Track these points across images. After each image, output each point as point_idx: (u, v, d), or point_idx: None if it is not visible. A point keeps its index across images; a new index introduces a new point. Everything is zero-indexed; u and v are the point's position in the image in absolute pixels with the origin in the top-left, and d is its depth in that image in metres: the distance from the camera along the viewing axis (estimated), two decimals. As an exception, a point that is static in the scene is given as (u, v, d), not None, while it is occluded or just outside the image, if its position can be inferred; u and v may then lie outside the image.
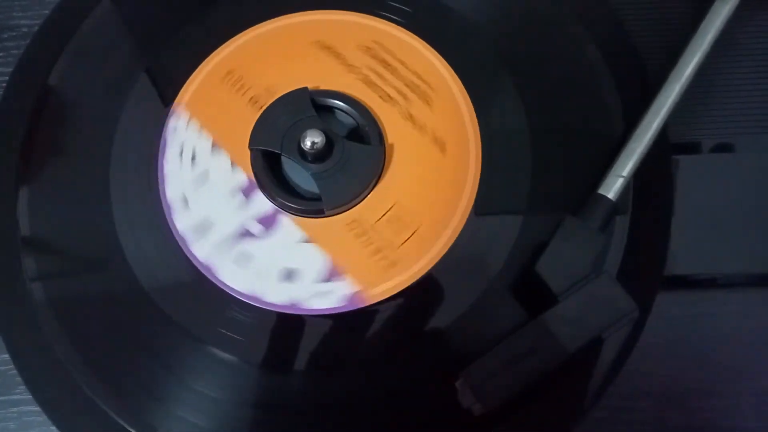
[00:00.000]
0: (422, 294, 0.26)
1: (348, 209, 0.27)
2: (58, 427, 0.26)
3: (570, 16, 0.29)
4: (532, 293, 0.25)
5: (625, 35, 0.29)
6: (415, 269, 0.26)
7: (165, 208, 0.27)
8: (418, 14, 0.29)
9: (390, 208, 0.26)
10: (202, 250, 0.27)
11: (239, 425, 0.25)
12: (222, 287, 0.26)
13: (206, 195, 0.27)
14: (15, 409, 0.28)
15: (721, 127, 0.30)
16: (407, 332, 0.26)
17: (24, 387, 0.26)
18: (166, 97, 0.28)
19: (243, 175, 0.27)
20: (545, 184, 0.27)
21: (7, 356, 0.27)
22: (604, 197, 0.26)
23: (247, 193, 0.27)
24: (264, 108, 0.28)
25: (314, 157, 0.26)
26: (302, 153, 0.27)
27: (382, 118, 0.28)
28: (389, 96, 0.28)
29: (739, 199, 0.29)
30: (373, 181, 0.27)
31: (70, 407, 0.26)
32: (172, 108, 0.28)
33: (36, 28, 0.30)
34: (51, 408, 0.26)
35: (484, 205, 0.27)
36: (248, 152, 0.27)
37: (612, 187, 0.26)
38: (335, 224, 0.27)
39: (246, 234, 0.27)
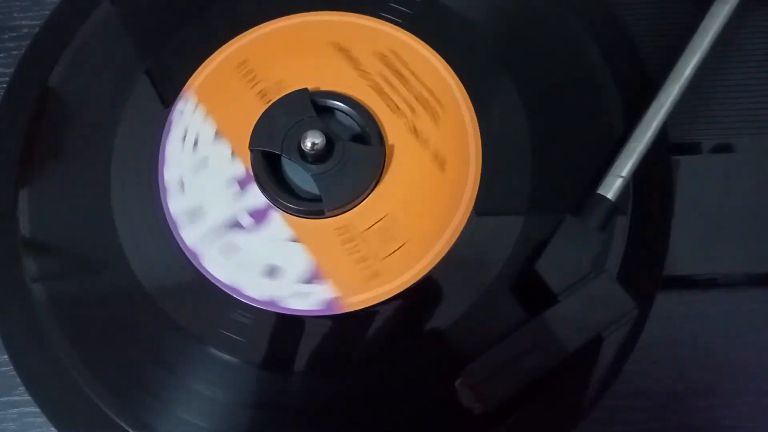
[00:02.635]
0: (422, 294, 0.26)
1: (347, 210, 0.27)
2: (58, 428, 0.26)
3: (570, 16, 0.29)
4: (532, 293, 0.25)
5: (625, 36, 0.29)
6: (396, 283, 0.26)
7: (161, 190, 0.27)
8: (420, 15, 0.29)
9: (381, 219, 0.26)
10: (190, 237, 0.27)
11: (238, 425, 0.25)
12: (205, 275, 0.26)
13: (203, 181, 0.27)
14: (15, 411, 0.28)
15: (720, 127, 0.30)
16: (408, 333, 0.26)
17: (24, 388, 0.26)
18: (166, 98, 0.28)
19: (241, 166, 0.27)
20: (546, 184, 0.27)
21: (6, 357, 0.27)
22: (604, 197, 0.26)
23: (243, 184, 0.27)
24: (270, 102, 0.28)
25: (314, 158, 0.26)
26: (302, 154, 0.27)
27: (386, 128, 0.28)
28: (397, 106, 0.28)
29: (739, 200, 0.29)
30: (374, 182, 0.27)
31: (70, 408, 0.26)
32: (182, 91, 0.28)
33: (36, 28, 0.30)
34: (51, 409, 0.26)
35: (484, 206, 0.27)
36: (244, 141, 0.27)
37: (611, 187, 0.26)
38: (325, 227, 0.27)
39: (236, 225, 0.27)
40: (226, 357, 0.26)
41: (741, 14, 0.28)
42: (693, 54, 0.27)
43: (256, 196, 0.27)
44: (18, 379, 0.26)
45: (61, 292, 0.27)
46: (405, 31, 0.29)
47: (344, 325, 0.26)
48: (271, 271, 0.26)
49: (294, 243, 0.26)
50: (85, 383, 0.26)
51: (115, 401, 0.25)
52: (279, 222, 0.27)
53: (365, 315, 0.26)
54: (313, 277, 0.26)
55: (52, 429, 0.26)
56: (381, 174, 0.27)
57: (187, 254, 0.27)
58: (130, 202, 0.27)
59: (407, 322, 0.26)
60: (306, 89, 0.27)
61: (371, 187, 0.27)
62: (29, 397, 0.26)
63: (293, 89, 0.28)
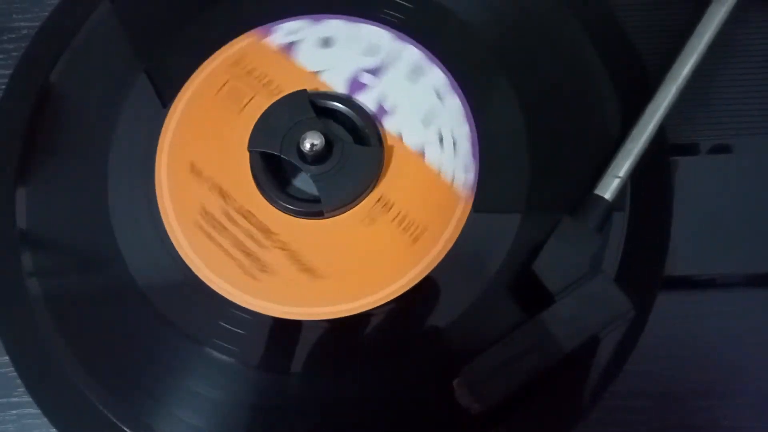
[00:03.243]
0: (421, 295, 0.26)
1: (346, 211, 0.27)
2: (57, 429, 0.26)
3: (568, 16, 0.29)
4: (529, 293, 0.25)
5: (623, 36, 0.29)
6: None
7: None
8: (416, 15, 0.29)
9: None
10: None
11: (237, 426, 0.25)
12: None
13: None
14: (14, 412, 0.28)
15: (719, 128, 0.30)
16: (406, 333, 0.26)
17: (23, 389, 0.26)
18: (165, 97, 0.29)
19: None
20: (543, 184, 0.27)
21: (6, 359, 0.27)
22: (601, 197, 0.26)
23: None
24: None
25: (313, 158, 0.26)
26: (301, 155, 0.27)
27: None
28: None
29: (738, 200, 0.29)
30: (373, 182, 0.27)
31: (69, 409, 0.26)
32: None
33: (36, 30, 0.31)
34: (50, 410, 0.26)
35: (482, 206, 0.27)
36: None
37: (608, 188, 0.26)
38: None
39: None
40: (225, 357, 0.26)
41: (739, 15, 0.28)
42: (691, 54, 0.27)
43: None
44: (17, 381, 0.27)
45: (59, 292, 0.27)
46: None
47: (343, 326, 0.26)
48: None
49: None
50: (84, 384, 0.26)
51: (114, 401, 0.25)
52: None
53: (363, 316, 0.26)
54: None
55: (52, 430, 0.26)
56: (380, 174, 0.27)
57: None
58: (127, 201, 0.27)
59: (405, 322, 0.26)
60: (305, 90, 0.27)
61: (371, 187, 0.27)
62: (28, 399, 0.26)
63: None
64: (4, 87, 0.30)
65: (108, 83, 0.29)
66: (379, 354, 0.26)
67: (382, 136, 0.27)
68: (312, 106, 0.27)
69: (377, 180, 0.27)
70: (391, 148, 0.27)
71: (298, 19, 0.29)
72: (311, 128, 0.26)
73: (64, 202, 0.28)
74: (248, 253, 0.26)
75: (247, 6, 0.30)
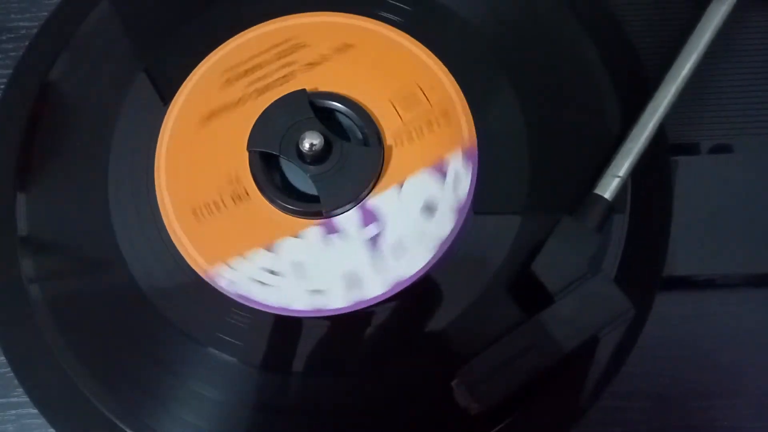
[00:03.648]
0: (420, 294, 0.26)
1: (346, 211, 0.27)
2: (56, 429, 0.26)
3: (568, 15, 0.29)
4: (528, 293, 0.25)
5: (623, 35, 0.29)
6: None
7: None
8: (416, 14, 0.29)
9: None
10: None
11: (238, 426, 0.25)
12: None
13: None
14: (14, 412, 0.28)
15: (719, 128, 0.30)
16: (405, 333, 0.26)
17: (22, 390, 0.26)
18: (165, 97, 0.28)
19: None
20: (543, 184, 0.27)
21: (4, 359, 0.27)
22: (601, 197, 0.26)
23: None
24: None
25: (313, 158, 0.26)
26: (300, 155, 0.27)
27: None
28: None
29: (738, 200, 0.29)
30: (372, 183, 0.27)
31: (69, 410, 0.26)
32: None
33: (35, 29, 0.31)
34: (50, 411, 0.26)
35: (482, 206, 0.27)
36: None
37: (608, 187, 0.26)
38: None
39: None
40: (226, 357, 0.26)
41: (738, 14, 0.28)
42: (690, 54, 0.27)
43: None
44: (16, 381, 0.26)
45: (59, 293, 0.27)
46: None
47: (342, 326, 0.26)
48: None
49: None
50: (83, 384, 0.26)
51: (113, 402, 0.25)
52: None
53: (363, 315, 0.26)
54: None
55: (51, 430, 0.26)
56: (380, 174, 0.27)
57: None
58: (128, 202, 0.27)
59: (404, 322, 0.26)
60: (304, 90, 0.27)
61: (370, 187, 0.27)
62: (27, 399, 0.26)
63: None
64: (3, 87, 0.30)
65: (107, 83, 0.29)
66: (379, 354, 0.26)
67: (381, 136, 0.27)
68: (311, 106, 0.27)
69: (377, 180, 0.27)
70: (390, 148, 0.27)
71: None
72: (310, 128, 0.26)
73: (63, 201, 0.28)
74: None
75: (247, 4, 0.30)
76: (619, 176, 0.26)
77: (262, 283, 0.26)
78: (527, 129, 0.27)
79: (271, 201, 0.27)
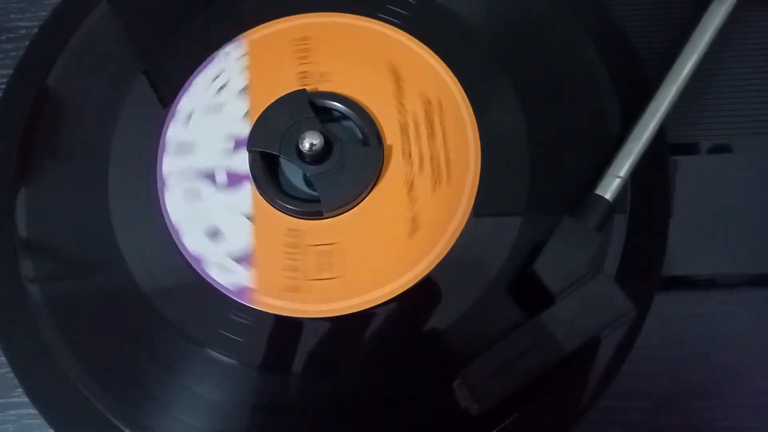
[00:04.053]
0: (421, 295, 0.26)
1: (346, 211, 0.27)
2: (56, 429, 0.26)
3: (568, 17, 0.29)
4: (529, 294, 0.25)
5: (623, 36, 0.29)
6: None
7: (169, 117, 0.28)
8: (417, 16, 0.29)
9: (328, 244, 0.26)
10: (168, 165, 0.27)
11: (236, 427, 0.25)
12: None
13: (208, 124, 0.28)
14: (13, 412, 0.28)
15: (718, 128, 0.30)
16: (407, 334, 0.26)
17: (22, 390, 0.26)
18: (164, 98, 0.28)
19: (246, 130, 0.28)
20: (544, 184, 0.27)
21: (4, 359, 0.27)
22: (601, 198, 0.26)
23: (238, 145, 0.28)
24: (305, 86, 0.28)
25: (312, 158, 0.26)
26: (300, 154, 0.27)
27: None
28: (410, 155, 0.27)
29: (737, 200, 0.29)
30: (372, 183, 0.27)
31: (68, 410, 0.26)
32: (238, 36, 0.29)
33: (34, 30, 0.30)
34: (49, 411, 0.26)
35: (483, 207, 0.27)
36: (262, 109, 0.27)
37: (609, 188, 0.26)
38: (280, 221, 0.27)
39: (210, 177, 0.27)
40: (225, 358, 0.26)
41: (738, 14, 0.28)
42: (691, 54, 0.27)
43: (242, 161, 0.27)
44: (16, 381, 0.26)
45: (58, 294, 0.27)
46: (459, 85, 0.28)
47: (343, 327, 0.26)
48: (214, 233, 0.27)
49: (247, 220, 0.27)
50: (83, 385, 0.26)
51: (113, 402, 0.25)
52: (247, 195, 0.27)
53: (364, 316, 0.26)
54: (242, 258, 0.26)
55: (51, 431, 0.26)
56: (379, 175, 0.27)
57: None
58: (127, 203, 0.27)
59: (406, 323, 0.26)
60: (304, 90, 0.27)
61: (369, 188, 0.27)
62: (27, 399, 0.26)
63: (334, 84, 0.28)
64: (3, 88, 0.30)
65: (107, 84, 0.29)
66: (380, 354, 0.26)
67: (381, 135, 0.27)
68: (311, 106, 0.27)
69: (377, 180, 0.27)
70: (390, 148, 0.27)
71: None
72: (310, 128, 0.26)
73: (64, 202, 0.28)
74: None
75: (246, 5, 0.30)
76: (619, 177, 0.26)
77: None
78: (527, 129, 0.27)
79: (270, 201, 0.27)
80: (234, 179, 0.27)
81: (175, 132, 0.28)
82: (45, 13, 0.31)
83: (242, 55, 0.29)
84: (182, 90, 0.28)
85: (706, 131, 0.30)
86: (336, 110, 0.28)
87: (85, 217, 0.27)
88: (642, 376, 0.27)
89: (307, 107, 0.27)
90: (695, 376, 0.28)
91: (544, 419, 0.25)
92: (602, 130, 0.28)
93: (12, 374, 0.27)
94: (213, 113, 0.28)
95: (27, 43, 0.30)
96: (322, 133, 0.26)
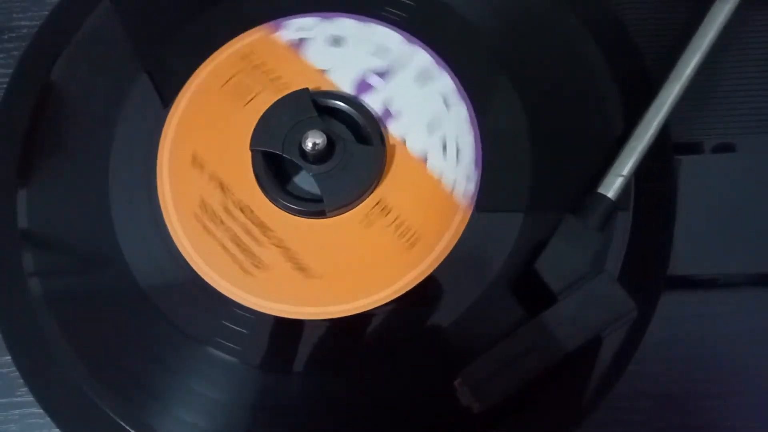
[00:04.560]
0: (422, 294, 0.26)
1: (348, 210, 0.27)
2: (60, 429, 0.26)
3: (571, 15, 0.29)
4: (531, 292, 0.25)
5: (626, 35, 0.29)
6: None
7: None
8: (419, 14, 0.29)
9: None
10: None
11: (238, 425, 0.25)
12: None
13: None
14: (17, 411, 0.28)
15: (722, 127, 0.30)
16: (408, 332, 0.26)
17: (26, 389, 0.26)
18: (166, 97, 0.28)
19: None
20: (546, 183, 0.27)
21: (8, 358, 0.27)
22: (604, 196, 0.26)
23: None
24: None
25: (315, 158, 0.26)
26: (303, 154, 0.27)
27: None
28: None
29: (741, 199, 0.29)
30: (375, 182, 0.27)
31: (72, 409, 0.26)
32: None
33: (36, 29, 0.30)
34: (53, 410, 0.26)
35: (485, 205, 0.27)
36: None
37: (612, 187, 0.26)
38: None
39: None
40: (226, 357, 0.26)
41: (742, 13, 0.28)
42: (694, 53, 0.27)
43: None
44: (20, 380, 0.27)
45: (60, 292, 0.27)
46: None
47: (345, 326, 0.26)
48: None
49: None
50: (86, 383, 0.26)
51: (115, 400, 0.25)
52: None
53: (366, 315, 0.26)
54: None
55: (55, 430, 0.26)
56: (382, 174, 0.27)
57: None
58: (128, 200, 0.27)
59: (407, 321, 0.26)
60: (307, 89, 0.27)
61: (372, 187, 0.27)
62: (31, 398, 0.26)
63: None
64: (4, 86, 0.30)
65: (109, 82, 0.29)
66: (382, 353, 0.26)
67: (384, 135, 0.27)
68: (314, 105, 0.27)
69: (379, 180, 0.27)
70: (393, 147, 0.27)
71: (309, 16, 0.29)
72: (313, 127, 0.26)
73: (65, 200, 0.28)
74: (243, 248, 0.26)
75: (250, 4, 0.30)
76: (622, 175, 0.26)
77: None
78: (530, 128, 0.27)
79: (272, 200, 0.27)
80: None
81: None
82: (47, 13, 0.31)
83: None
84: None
85: (709, 130, 0.30)
86: (339, 109, 0.28)
87: (87, 214, 0.27)
88: (645, 376, 0.27)
89: (310, 106, 0.27)
90: (699, 376, 0.27)
91: (547, 419, 0.25)
92: (605, 129, 0.28)
93: (15, 374, 0.27)
94: None
95: (29, 42, 0.30)
96: (324, 132, 0.26)
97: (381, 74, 0.28)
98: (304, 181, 0.28)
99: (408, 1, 0.29)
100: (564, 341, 0.24)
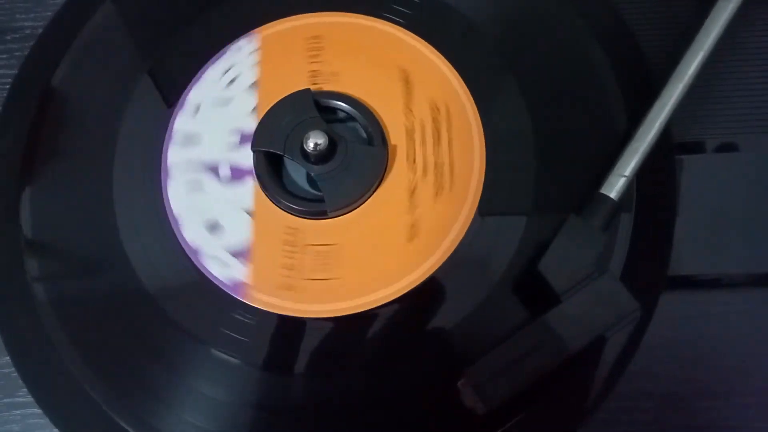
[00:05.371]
0: (426, 295, 0.26)
1: (350, 211, 0.27)
2: (60, 429, 0.26)
3: (573, 16, 0.29)
4: (535, 293, 0.25)
5: (628, 35, 0.29)
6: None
7: (178, 108, 0.28)
8: (421, 14, 0.29)
9: (326, 245, 0.26)
10: (173, 155, 0.28)
11: (241, 426, 0.25)
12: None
13: (215, 117, 0.28)
14: (18, 412, 0.28)
15: (725, 126, 0.30)
16: (412, 333, 0.26)
17: (27, 389, 0.26)
18: (169, 98, 0.29)
19: (253, 124, 0.28)
20: (549, 183, 0.27)
21: (9, 359, 0.27)
22: (607, 196, 0.26)
23: (243, 139, 0.28)
24: (316, 84, 0.28)
25: (317, 158, 0.26)
26: (305, 154, 0.27)
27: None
28: (414, 160, 0.27)
29: (743, 199, 0.29)
30: (376, 182, 0.27)
31: (73, 410, 0.26)
32: (250, 32, 0.29)
33: (39, 29, 0.30)
34: (54, 410, 0.26)
35: (488, 206, 0.27)
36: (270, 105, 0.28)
37: (614, 187, 0.26)
38: (280, 218, 0.27)
39: (213, 170, 0.27)
40: (229, 358, 0.26)
41: (744, 13, 0.28)
42: (696, 53, 0.27)
43: (246, 156, 0.27)
44: (20, 381, 0.26)
45: (63, 293, 0.27)
46: (465, 88, 0.28)
47: (348, 326, 0.26)
48: (213, 227, 0.27)
49: (247, 216, 0.27)
50: (88, 384, 0.26)
51: (117, 402, 0.25)
52: (249, 190, 0.27)
53: (369, 316, 0.26)
54: (240, 253, 0.26)
55: (55, 430, 0.26)
56: (383, 175, 0.27)
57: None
58: (132, 202, 0.27)
59: (411, 322, 0.26)
60: (309, 89, 0.27)
61: (374, 187, 0.27)
62: (32, 399, 0.26)
63: (343, 85, 0.28)
64: (8, 87, 0.30)
65: (112, 84, 0.29)
66: (385, 354, 0.26)
67: (385, 135, 0.27)
68: (315, 105, 0.27)
69: (381, 180, 0.27)
70: (395, 147, 0.27)
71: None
72: (315, 128, 0.26)
73: (68, 202, 0.28)
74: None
75: (250, 5, 0.30)
76: (625, 175, 0.26)
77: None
78: (534, 129, 0.27)
79: (275, 201, 0.27)
80: (237, 174, 0.27)
81: (182, 123, 0.28)
82: (50, 13, 0.31)
83: (254, 50, 0.29)
84: (192, 82, 0.29)
85: (712, 130, 0.30)
86: (341, 110, 0.28)
87: (90, 217, 0.27)
88: (646, 375, 0.27)
89: (312, 106, 0.27)
90: (701, 376, 0.27)
91: (550, 419, 0.25)
92: (608, 129, 0.28)
93: (16, 374, 0.27)
94: (221, 106, 0.28)
95: (32, 42, 0.30)
96: (326, 132, 0.26)
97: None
98: (304, 180, 0.28)
99: (411, 2, 0.29)
100: (568, 341, 0.24)
